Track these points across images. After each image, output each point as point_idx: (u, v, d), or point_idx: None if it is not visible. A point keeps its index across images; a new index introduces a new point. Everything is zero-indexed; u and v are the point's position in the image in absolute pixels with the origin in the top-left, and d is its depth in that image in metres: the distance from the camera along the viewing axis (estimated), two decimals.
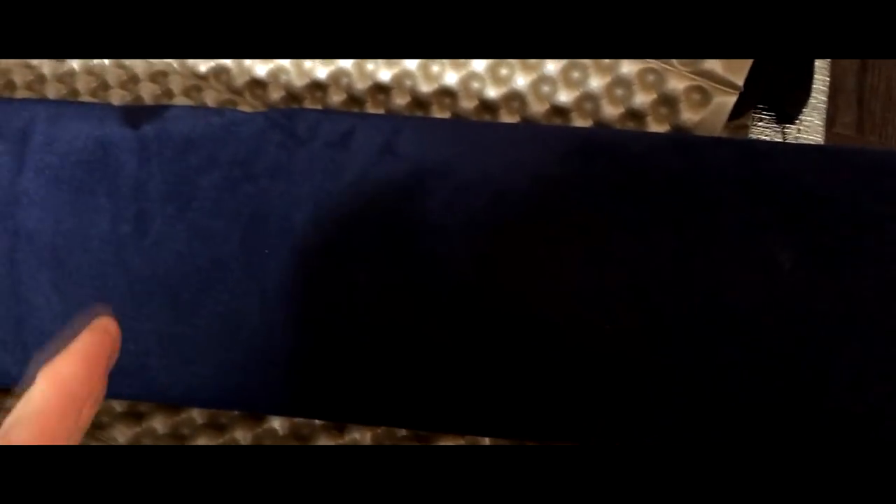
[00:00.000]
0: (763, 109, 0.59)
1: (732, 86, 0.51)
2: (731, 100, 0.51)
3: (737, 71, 0.51)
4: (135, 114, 0.45)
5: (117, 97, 0.56)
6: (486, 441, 0.48)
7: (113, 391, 0.43)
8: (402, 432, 0.48)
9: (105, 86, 0.57)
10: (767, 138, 0.59)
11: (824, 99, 0.59)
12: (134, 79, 0.57)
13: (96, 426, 0.47)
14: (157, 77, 0.58)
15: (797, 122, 0.59)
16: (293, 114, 0.45)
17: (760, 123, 0.59)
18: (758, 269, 0.40)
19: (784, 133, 0.59)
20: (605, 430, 0.42)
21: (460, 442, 0.48)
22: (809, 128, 0.58)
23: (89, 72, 0.58)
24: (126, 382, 0.41)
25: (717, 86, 0.51)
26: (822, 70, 0.59)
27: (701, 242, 0.41)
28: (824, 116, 0.58)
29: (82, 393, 0.26)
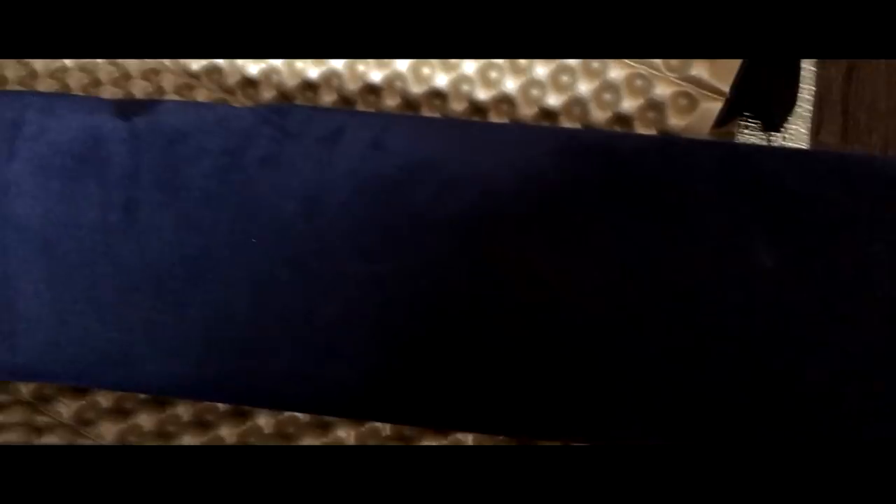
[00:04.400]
0: (749, 117, 0.60)
1: (719, 92, 0.52)
2: (716, 106, 0.52)
3: (723, 77, 0.51)
4: (126, 106, 0.45)
5: (109, 94, 0.56)
6: (469, 438, 0.48)
7: (97, 381, 0.43)
8: (387, 432, 0.48)
9: (97, 82, 0.57)
10: None
11: (809, 108, 0.59)
12: (126, 76, 0.58)
13: (83, 422, 0.47)
14: (150, 75, 0.58)
15: (783, 129, 0.60)
16: (284, 110, 0.45)
17: (746, 131, 0.59)
18: (739, 268, 0.41)
19: (769, 140, 0.60)
20: (581, 425, 0.42)
21: (441, 440, 0.48)
22: (795, 136, 0.59)
23: (81, 68, 0.58)
24: (111, 371, 0.41)
25: (704, 91, 0.52)
26: (807, 79, 0.60)
27: (684, 241, 0.41)
28: (809, 125, 0.59)
29: None
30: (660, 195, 0.41)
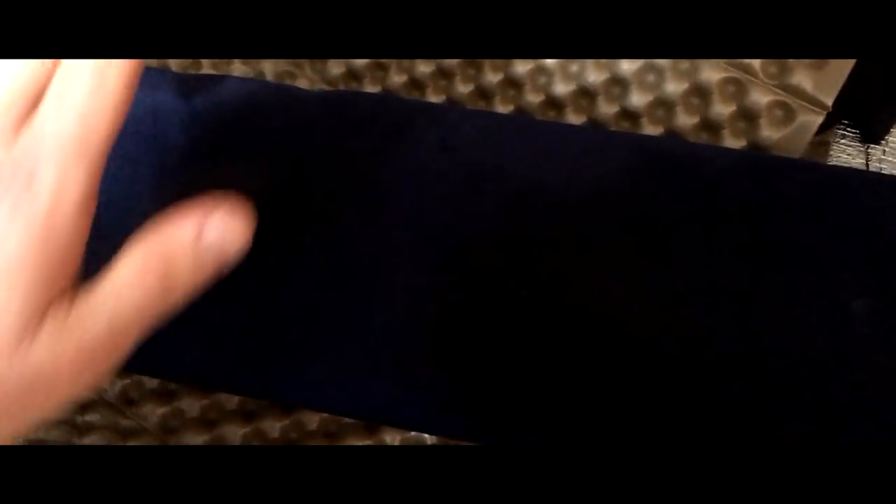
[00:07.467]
0: (847, 126, 0.55)
1: (821, 105, 0.47)
2: (817, 119, 0.47)
3: (827, 89, 0.47)
4: (187, 83, 0.43)
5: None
6: None
7: (147, 368, 0.42)
8: (434, 439, 0.47)
9: None
10: (849, 157, 0.55)
11: None
12: None
13: (126, 402, 0.47)
14: None
15: (883, 142, 0.55)
16: (347, 98, 0.43)
17: (843, 141, 0.55)
18: (827, 314, 0.37)
19: (868, 153, 0.55)
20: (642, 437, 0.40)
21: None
22: (895, 149, 0.55)
23: None
24: (160, 361, 0.41)
25: (804, 103, 0.47)
26: None
27: (768, 280, 0.38)
28: None
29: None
30: (747, 227, 0.38)
